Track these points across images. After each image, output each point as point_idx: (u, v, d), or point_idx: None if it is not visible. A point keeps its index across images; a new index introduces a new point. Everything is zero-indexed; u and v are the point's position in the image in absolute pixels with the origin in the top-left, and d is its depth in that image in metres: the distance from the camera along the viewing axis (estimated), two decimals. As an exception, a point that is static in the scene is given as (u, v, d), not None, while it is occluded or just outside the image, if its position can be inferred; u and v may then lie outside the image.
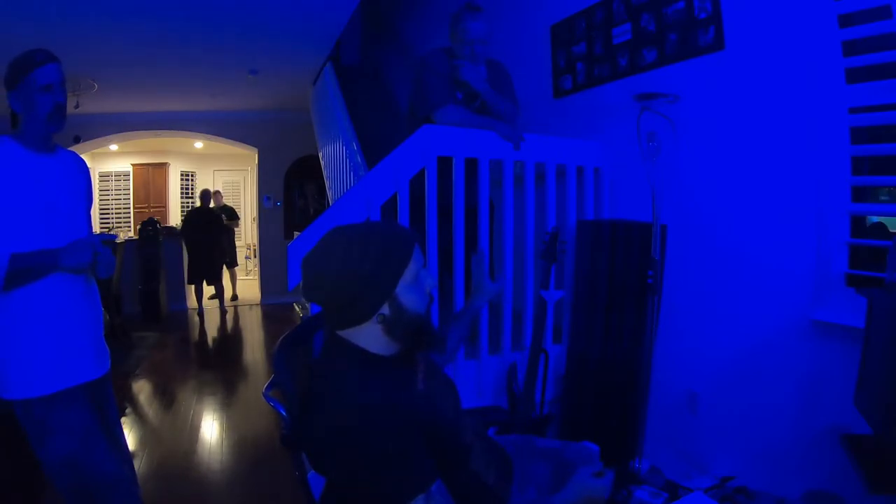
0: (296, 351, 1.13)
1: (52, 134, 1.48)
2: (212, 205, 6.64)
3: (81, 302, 1.52)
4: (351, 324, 0.98)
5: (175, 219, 9.05)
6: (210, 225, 6.37)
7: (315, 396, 0.98)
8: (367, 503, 0.95)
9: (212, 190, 6.87)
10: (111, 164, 9.04)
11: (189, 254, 6.35)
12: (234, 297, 7.29)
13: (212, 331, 5.80)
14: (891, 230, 1.89)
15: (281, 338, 1.13)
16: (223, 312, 6.55)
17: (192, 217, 6.37)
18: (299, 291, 1.14)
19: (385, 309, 0.96)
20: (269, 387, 1.17)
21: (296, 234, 2.39)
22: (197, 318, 6.27)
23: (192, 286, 6.47)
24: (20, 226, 1.38)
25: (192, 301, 6.96)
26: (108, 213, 9.00)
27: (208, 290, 6.75)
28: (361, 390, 0.93)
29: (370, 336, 0.99)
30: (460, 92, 2.25)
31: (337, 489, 1.04)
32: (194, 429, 3.04)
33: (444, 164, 2.09)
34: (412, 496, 0.88)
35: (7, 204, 1.36)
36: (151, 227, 6.04)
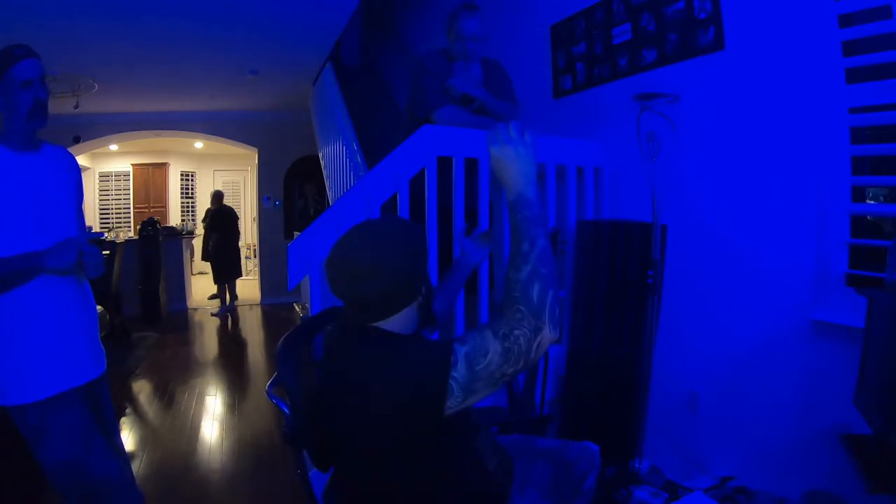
0: (298, 350, 1.13)
1: (35, 131, 1.44)
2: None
3: (73, 303, 1.50)
4: (400, 308, 1.01)
5: (175, 219, 9.05)
6: (232, 224, 6.53)
7: (342, 387, 0.98)
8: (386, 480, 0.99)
9: (212, 190, 6.88)
10: (111, 164, 9.03)
11: (213, 254, 6.39)
12: (234, 298, 7.28)
13: (212, 331, 5.79)
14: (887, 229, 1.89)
15: (283, 337, 1.13)
16: (233, 310, 6.58)
17: (218, 218, 6.44)
18: (299, 291, 1.15)
19: (423, 287, 1.03)
20: (272, 385, 1.17)
21: (296, 234, 2.39)
22: (201, 320, 6.26)
23: (212, 286, 6.60)
24: (6, 228, 1.35)
25: (192, 302, 6.96)
26: (108, 213, 8.99)
27: (212, 289, 6.78)
28: (411, 360, 0.94)
29: (405, 318, 1.02)
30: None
31: (351, 477, 1.06)
32: (194, 429, 3.04)
33: (444, 164, 2.09)
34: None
35: None
36: (151, 227, 6.04)
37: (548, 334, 0.88)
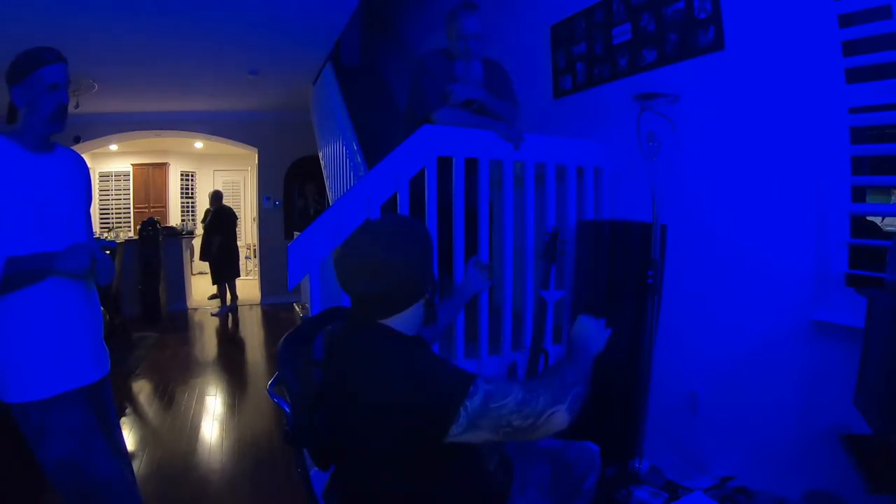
0: (299, 350, 1.13)
1: (51, 134, 1.46)
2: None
3: (80, 305, 1.50)
4: (407, 306, 1.03)
5: (175, 219, 9.05)
6: (232, 224, 6.56)
7: (348, 385, 0.99)
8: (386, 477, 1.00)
9: (210, 191, 6.87)
10: (111, 164, 9.03)
11: (215, 255, 6.39)
12: (235, 298, 7.29)
13: (212, 331, 5.79)
14: (885, 229, 1.89)
15: (284, 336, 1.13)
16: (234, 310, 6.59)
17: (219, 218, 6.45)
18: (299, 291, 1.16)
19: (430, 284, 1.06)
20: (273, 384, 1.17)
21: (296, 234, 2.39)
22: (201, 320, 6.26)
23: (212, 286, 6.62)
24: (17, 228, 1.36)
25: (192, 302, 6.96)
26: (108, 213, 8.99)
27: (212, 289, 6.77)
28: (428, 374, 0.96)
29: (411, 315, 1.04)
30: None
31: (352, 474, 1.07)
32: (194, 429, 3.04)
33: (444, 164, 2.09)
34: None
35: (3, 206, 1.34)
36: (151, 227, 6.04)
37: (561, 414, 0.95)
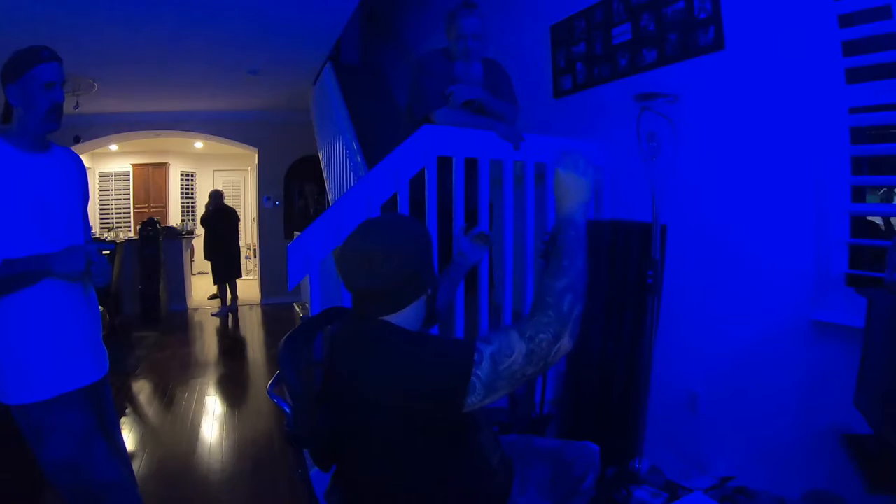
0: (300, 351, 1.13)
1: (47, 132, 1.45)
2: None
3: (79, 306, 1.50)
4: (408, 302, 1.03)
5: (175, 219, 9.04)
6: (232, 224, 6.57)
7: (354, 383, 0.99)
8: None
9: (211, 190, 6.87)
10: (111, 164, 9.03)
11: (214, 254, 6.40)
12: (235, 298, 7.28)
13: (212, 331, 5.79)
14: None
15: (285, 336, 1.13)
16: (234, 310, 6.59)
17: (219, 218, 6.45)
18: (299, 291, 1.16)
19: (431, 280, 1.07)
20: (273, 384, 1.17)
21: (296, 234, 2.39)
22: (201, 320, 6.25)
23: (212, 286, 6.66)
24: (13, 229, 1.35)
25: (192, 302, 6.96)
26: (108, 213, 8.99)
27: (212, 289, 6.77)
28: (432, 356, 0.96)
29: (413, 312, 1.05)
30: None
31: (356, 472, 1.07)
32: (194, 429, 3.03)
33: (444, 164, 2.09)
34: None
35: (1, 206, 1.33)
36: (151, 227, 6.04)
37: (566, 343, 0.94)
